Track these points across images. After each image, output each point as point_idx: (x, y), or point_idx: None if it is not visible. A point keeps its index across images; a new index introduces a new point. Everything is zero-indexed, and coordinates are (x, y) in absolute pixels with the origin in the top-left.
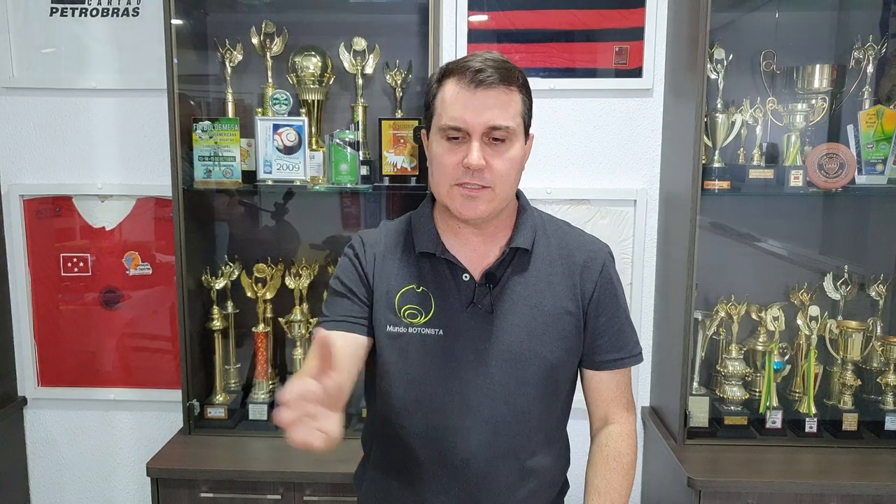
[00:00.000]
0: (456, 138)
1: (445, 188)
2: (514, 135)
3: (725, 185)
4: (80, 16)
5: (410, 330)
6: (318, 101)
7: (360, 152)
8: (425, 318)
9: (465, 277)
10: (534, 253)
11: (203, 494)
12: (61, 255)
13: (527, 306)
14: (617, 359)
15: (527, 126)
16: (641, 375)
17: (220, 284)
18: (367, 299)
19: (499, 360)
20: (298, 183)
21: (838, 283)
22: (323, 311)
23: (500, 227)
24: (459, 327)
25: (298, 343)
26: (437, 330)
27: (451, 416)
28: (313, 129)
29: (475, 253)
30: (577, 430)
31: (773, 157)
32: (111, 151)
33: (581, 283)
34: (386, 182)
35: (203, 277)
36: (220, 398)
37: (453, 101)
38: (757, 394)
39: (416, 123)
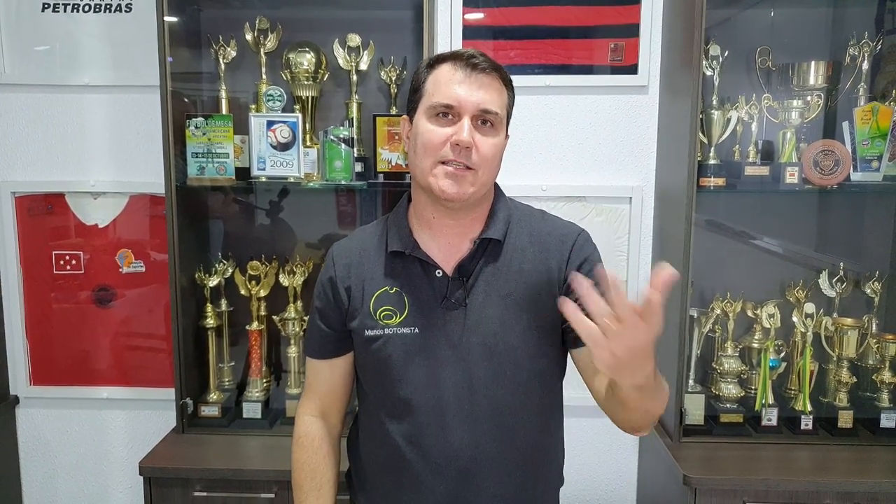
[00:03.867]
0: (446, 115)
1: (429, 165)
2: (500, 123)
3: (721, 181)
4: (73, 12)
5: (387, 331)
6: (313, 97)
7: (355, 149)
8: (400, 317)
9: (438, 273)
10: (506, 243)
11: (196, 493)
12: (54, 252)
13: (499, 297)
14: None
15: (507, 122)
16: None
17: (213, 282)
18: (340, 322)
19: (475, 354)
20: (292, 180)
21: (834, 281)
22: (307, 331)
23: (475, 220)
24: (434, 324)
25: (293, 341)
26: (412, 328)
27: (432, 414)
28: (307, 126)
29: (449, 247)
30: (575, 427)
31: (768, 153)
32: (104, 148)
33: (557, 265)
34: (380, 179)
35: (196, 275)
36: (213, 396)
37: (448, 80)
38: (752, 391)
39: None
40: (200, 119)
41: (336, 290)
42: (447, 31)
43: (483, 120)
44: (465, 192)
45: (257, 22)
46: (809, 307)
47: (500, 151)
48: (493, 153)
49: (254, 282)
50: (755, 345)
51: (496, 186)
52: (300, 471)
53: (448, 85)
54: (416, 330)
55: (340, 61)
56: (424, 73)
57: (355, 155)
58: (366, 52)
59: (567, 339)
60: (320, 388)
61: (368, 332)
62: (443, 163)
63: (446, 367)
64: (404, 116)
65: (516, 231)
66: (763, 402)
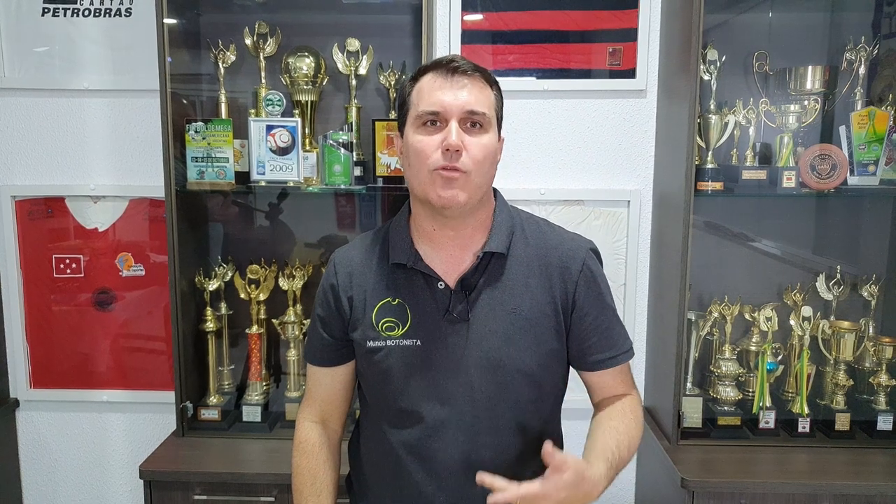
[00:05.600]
0: (434, 123)
1: (425, 174)
2: (489, 123)
3: (719, 185)
4: (72, 16)
5: (389, 343)
6: (312, 101)
7: (354, 153)
8: (402, 329)
9: (441, 286)
10: (510, 256)
11: (196, 497)
12: (54, 256)
13: (504, 311)
14: (609, 358)
15: (499, 123)
16: (635, 376)
17: (213, 286)
18: (342, 331)
19: (477, 368)
20: (292, 184)
21: (831, 284)
22: (307, 338)
23: (476, 230)
24: (437, 336)
25: (292, 344)
26: (414, 341)
27: (433, 426)
28: (307, 130)
29: (451, 259)
30: (573, 430)
31: (765, 157)
32: (104, 152)
33: (562, 285)
34: (380, 183)
35: (196, 279)
36: (213, 400)
37: (430, 88)
38: (750, 394)
39: None
40: (200, 123)
41: (338, 298)
42: (446, 35)
43: (471, 122)
44: (457, 197)
45: (257, 26)
46: (807, 310)
47: (493, 153)
48: (484, 154)
49: (253, 285)
50: (753, 348)
51: (496, 193)
52: (300, 476)
53: (431, 92)
54: (419, 342)
55: (340, 66)
56: (409, 86)
57: (354, 159)
58: (365, 56)
59: (577, 360)
60: (320, 395)
61: (370, 344)
62: (437, 169)
63: (448, 380)
64: (395, 133)
65: (521, 243)
66: (760, 404)
